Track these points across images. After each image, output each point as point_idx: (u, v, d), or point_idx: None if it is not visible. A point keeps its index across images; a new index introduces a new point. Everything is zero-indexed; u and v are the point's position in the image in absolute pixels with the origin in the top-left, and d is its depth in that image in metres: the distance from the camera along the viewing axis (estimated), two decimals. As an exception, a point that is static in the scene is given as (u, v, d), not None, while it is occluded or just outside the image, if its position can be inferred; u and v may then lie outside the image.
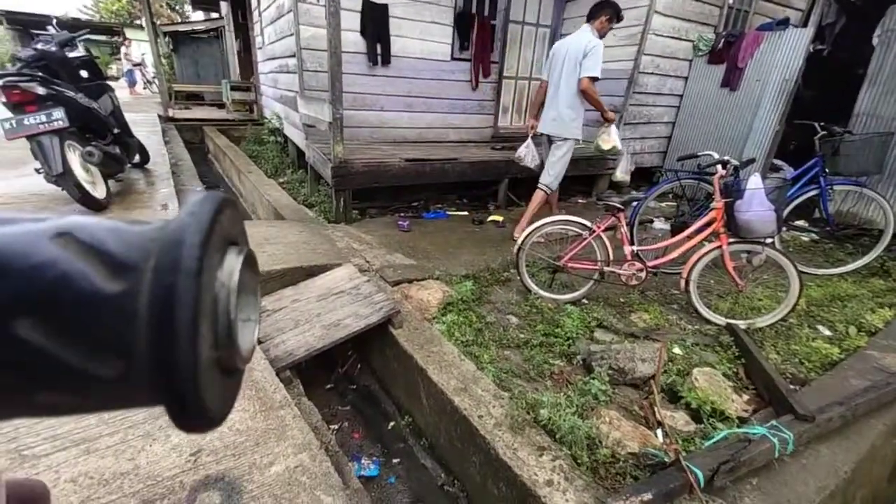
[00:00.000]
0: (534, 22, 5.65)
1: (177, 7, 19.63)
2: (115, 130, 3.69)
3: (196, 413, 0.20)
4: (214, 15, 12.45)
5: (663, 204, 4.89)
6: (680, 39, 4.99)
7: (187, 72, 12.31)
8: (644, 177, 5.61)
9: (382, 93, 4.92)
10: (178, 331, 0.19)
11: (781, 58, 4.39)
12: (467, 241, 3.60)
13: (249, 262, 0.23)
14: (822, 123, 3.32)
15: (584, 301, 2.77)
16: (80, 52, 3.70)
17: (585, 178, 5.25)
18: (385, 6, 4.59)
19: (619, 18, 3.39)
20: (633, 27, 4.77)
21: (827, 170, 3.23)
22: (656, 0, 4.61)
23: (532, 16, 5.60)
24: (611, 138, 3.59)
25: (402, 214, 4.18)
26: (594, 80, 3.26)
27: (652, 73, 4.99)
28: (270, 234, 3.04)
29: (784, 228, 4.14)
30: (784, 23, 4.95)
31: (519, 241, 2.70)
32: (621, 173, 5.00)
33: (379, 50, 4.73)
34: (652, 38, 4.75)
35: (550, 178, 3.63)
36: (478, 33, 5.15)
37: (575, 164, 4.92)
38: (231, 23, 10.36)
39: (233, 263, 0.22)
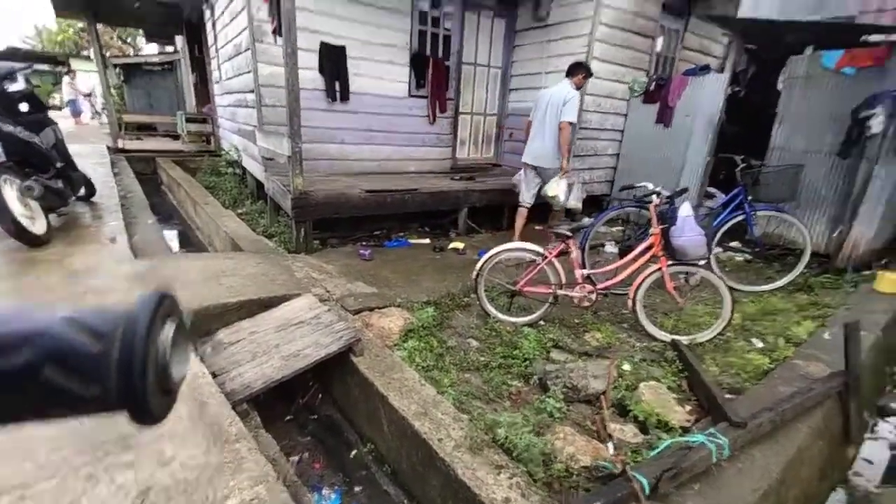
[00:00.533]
0: (485, 63, 6.04)
1: (128, 40, 19.27)
2: (58, 164, 3.55)
3: (146, 415, 0.34)
4: (169, 48, 12.35)
5: (614, 228, 5.20)
6: (617, 82, 5.49)
7: (139, 103, 12.00)
8: (595, 203, 5.98)
9: (342, 127, 5.03)
10: (135, 370, 0.33)
11: (705, 99, 4.92)
12: (429, 269, 3.68)
13: (180, 328, 0.38)
14: (742, 157, 3.72)
15: (541, 323, 2.88)
16: (20, 85, 3.58)
17: (541, 206, 5.51)
18: (342, 48, 4.77)
19: (590, 74, 4.15)
20: (576, 70, 5.20)
21: (750, 197, 3.60)
22: (594, 48, 5.09)
23: (483, 58, 5.99)
24: (557, 188, 4.08)
25: (363, 244, 4.21)
26: (571, 124, 3.89)
27: (595, 111, 5.42)
28: (227, 266, 2.99)
29: (721, 249, 4.51)
30: (706, 69, 5.56)
31: (477, 268, 2.81)
32: (574, 201, 5.32)
33: (337, 87, 4.87)
34: (593, 80, 5.19)
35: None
36: (433, 73, 5.43)
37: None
38: (187, 56, 10.29)
39: (168, 330, 0.36)
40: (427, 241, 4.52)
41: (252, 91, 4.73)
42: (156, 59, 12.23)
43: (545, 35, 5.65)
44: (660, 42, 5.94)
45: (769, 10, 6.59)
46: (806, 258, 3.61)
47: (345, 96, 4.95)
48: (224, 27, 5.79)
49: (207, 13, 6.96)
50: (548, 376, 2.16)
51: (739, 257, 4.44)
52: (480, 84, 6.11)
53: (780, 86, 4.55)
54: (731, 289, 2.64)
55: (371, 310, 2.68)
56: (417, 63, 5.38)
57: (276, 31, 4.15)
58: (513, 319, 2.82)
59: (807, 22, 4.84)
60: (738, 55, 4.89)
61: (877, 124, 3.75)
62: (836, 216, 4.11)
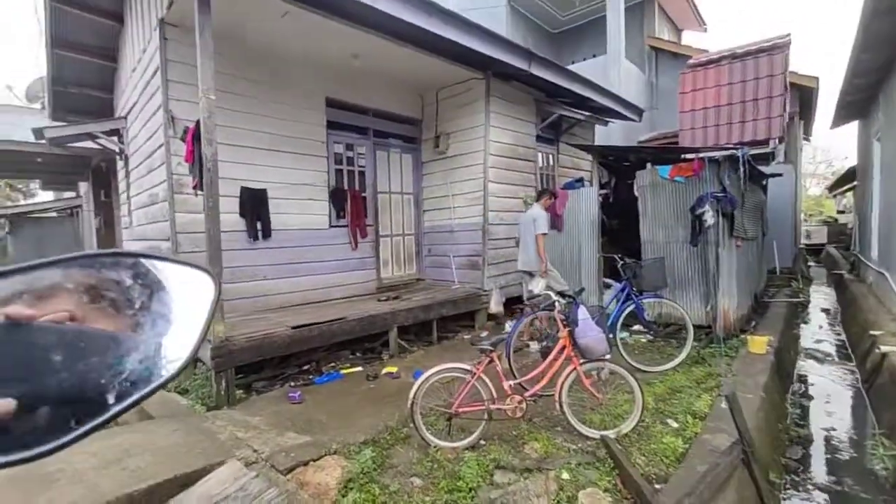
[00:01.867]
0: (399, 191, 6.73)
1: (20, 187, 18.17)
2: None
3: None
4: (69, 194, 11.87)
5: (532, 326, 5.59)
6: (513, 198, 6.41)
7: (27, 255, 10.97)
8: (516, 303, 6.45)
9: (264, 263, 5.11)
10: None
11: (584, 206, 5.90)
12: (364, 402, 3.61)
13: None
14: (619, 255, 4.45)
15: (482, 442, 2.92)
16: None
17: (467, 314, 5.84)
18: (263, 190, 5.09)
19: (554, 196, 5.32)
20: (476, 193, 6.04)
21: (634, 288, 4.23)
22: (489, 172, 6.01)
23: (397, 186, 6.69)
24: (536, 284, 4.95)
25: (292, 385, 4.04)
26: (544, 235, 4.87)
27: (499, 224, 6.18)
28: (133, 441, 2.68)
29: (628, 334, 5.06)
30: (580, 181, 6.76)
31: (411, 396, 2.86)
32: (495, 306, 5.71)
33: (259, 227, 5.06)
34: (492, 199, 6.04)
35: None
36: (351, 203, 5.91)
37: (454, 304, 5.51)
38: (91, 201, 9.98)
39: None
40: (360, 368, 4.47)
41: (168, 239, 4.72)
42: (52, 205, 11.60)
43: (448, 164, 6.55)
44: (540, 162, 7.17)
45: (618, 137, 8.39)
46: (690, 334, 4.20)
47: (266, 234, 5.13)
48: (140, 178, 5.88)
49: (121, 163, 7.04)
50: (493, 504, 2.18)
51: (644, 339, 4.99)
52: (397, 209, 6.71)
53: (636, 191, 5.66)
54: (639, 373, 2.97)
55: (305, 464, 2.55)
56: (336, 196, 5.84)
57: (197, 187, 4.36)
58: (453, 445, 2.84)
59: (640, 147, 6.25)
60: (600, 170, 6.09)
61: (709, 218, 4.77)
62: (706, 293, 4.92)
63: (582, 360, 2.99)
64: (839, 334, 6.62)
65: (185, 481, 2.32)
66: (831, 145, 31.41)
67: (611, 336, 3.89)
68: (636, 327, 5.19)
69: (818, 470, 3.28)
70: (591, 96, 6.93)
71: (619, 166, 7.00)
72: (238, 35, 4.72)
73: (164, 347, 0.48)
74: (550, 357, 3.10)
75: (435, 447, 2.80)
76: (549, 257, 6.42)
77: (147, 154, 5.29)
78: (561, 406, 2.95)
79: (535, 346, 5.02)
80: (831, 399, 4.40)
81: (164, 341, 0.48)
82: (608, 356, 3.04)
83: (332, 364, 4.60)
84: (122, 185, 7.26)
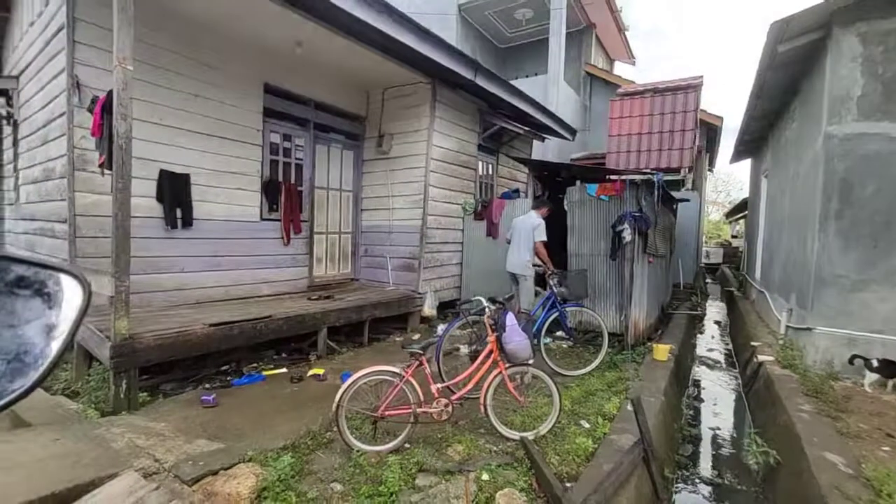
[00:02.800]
0: (338, 188, 6.54)
1: None
2: None
3: None
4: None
5: (465, 331, 5.72)
6: (452, 203, 6.52)
7: None
8: (450, 306, 6.56)
9: (183, 254, 4.70)
10: None
11: (518, 215, 6.16)
12: (286, 406, 3.45)
13: None
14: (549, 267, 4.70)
15: (406, 445, 2.92)
16: None
17: (400, 316, 5.81)
18: (186, 175, 4.69)
19: (552, 208, 5.34)
20: (416, 195, 6.06)
21: (559, 297, 4.50)
22: (430, 177, 6.06)
23: (336, 183, 6.51)
24: (525, 298, 5.05)
25: (207, 387, 3.75)
26: (544, 243, 4.91)
27: (437, 228, 6.25)
28: (2, 453, 2.33)
29: (550, 339, 5.35)
30: (516, 192, 7.06)
31: (336, 399, 2.79)
32: (428, 309, 5.75)
33: (179, 214, 4.65)
34: (432, 203, 6.09)
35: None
36: (286, 197, 5.64)
37: (388, 306, 5.47)
38: (-36, 170, 8.48)
39: None
40: (284, 370, 4.26)
41: (64, 221, 4.16)
42: None
43: (389, 165, 6.49)
44: (480, 171, 7.37)
45: (552, 153, 8.87)
46: (606, 341, 4.55)
47: (187, 223, 4.72)
48: (32, 148, 5.11)
49: (8, 128, 6.08)
50: (413, 508, 2.19)
51: (565, 345, 5.31)
52: (334, 206, 6.52)
53: (565, 206, 6.02)
54: (558, 377, 3.16)
55: (215, 473, 2.37)
56: (270, 188, 5.54)
57: (105, 165, 3.88)
58: (377, 448, 2.81)
59: (572, 165, 6.66)
60: (535, 184, 6.40)
61: (627, 235, 5.20)
62: (621, 303, 5.35)
63: (507, 365, 3.11)
64: (727, 344, 7.55)
65: (68, 497, 2.06)
66: (730, 176, 35.79)
67: (535, 342, 4.10)
68: (559, 333, 5.51)
69: (705, 465, 3.71)
70: (531, 112, 7.27)
71: (552, 181, 7.42)
72: (170, 4, 4.32)
73: (6, 366, 0.42)
74: (478, 361, 3.19)
75: (358, 451, 2.75)
76: (482, 264, 6.67)
77: (43, 122, 4.64)
78: (485, 409, 3.04)
79: (464, 349, 5.14)
80: (718, 402, 5.01)
81: (5, 358, 0.42)
82: (532, 361, 3.20)
83: (254, 365, 4.34)
84: (7, 155, 6.28)
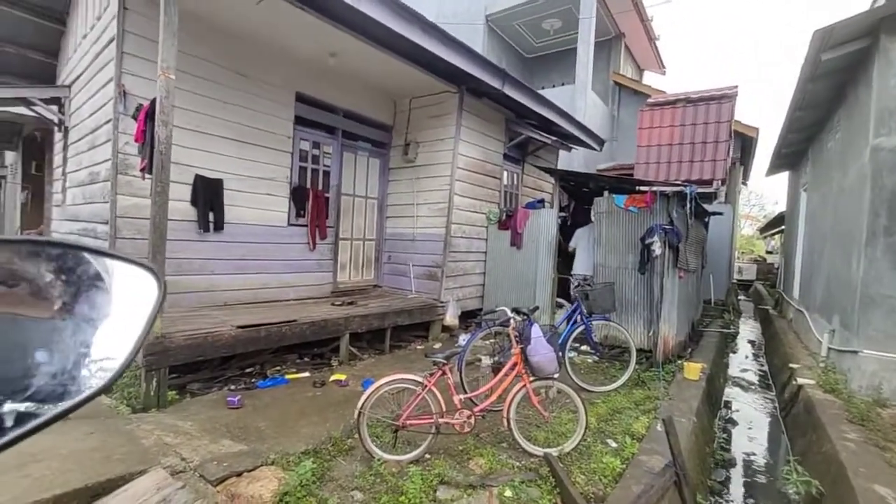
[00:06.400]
0: (363, 194, 6.63)
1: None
2: None
3: None
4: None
5: (488, 342, 5.65)
6: (476, 212, 6.50)
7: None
8: (471, 316, 6.51)
9: (213, 257, 4.84)
10: None
11: (543, 227, 6.09)
12: (308, 410, 3.47)
13: None
14: (582, 276, 4.60)
15: (427, 456, 2.88)
16: None
17: (422, 324, 5.80)
18: (219, 180, 4.84)
19: None
20: (441, 204, 6.07)
21: (585, 310, 4.39)
22: (455, 185, 6.06)
23: (361, 190, 6.59)
24: None
25: (232, 388, 3.82)
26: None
27: (461, 237, 6.23)
28: (40, 445, 2.41)
29: (575, 353, 5.22)
30: (541, 202, 6.98)
31: (359, 406, 2.78)
32: (451, 318, 5.71)
33: (211, 218, 4.79)
34: (456, 211, 6.08)
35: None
36: (313, 203, 5.74)
37: (410, 313, 5.47)
38: (19, 173, 9.06)
39: None
40: (307, 374, 4.30)
41: (105, 222, 4.35)
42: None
43: (415, 173, 6.54)
44: (505, 180, 7.34)
45: (578, 163, 8.75)
46: (633, 357, 4.40)
47: (219, 226, 4.86)
48: (80, 153, 5.40)
49: (59, 134, 6.45)
50: (434, 521, 2.14)
51: (590, 359, 5.17)
52: (359, 212, 6.60)
53: (592, 217, 5.91)
54: (583, 393, 3.06)
55: (238, 475, 2.40)
56: (298, 194, 5.66)
57: (146, 170, 4.06)
58: (397, 458, 2.78)
59: (600, 175, 6.55)
60: (560, 194, 6.32)
61: (657, 248, 5.06)
62: (649, 318, 5.19)
63: (532, 378, 3.04)
64: (762, 365, 7.19)
65: (99, 491, 2.12)
66: (764, 190, 34.55)
67: (560, 355, 3.99)
68: (584, 347, 5.38)
69: (738, 493, 3.51)
70: (558, 122, 7.21)
71: (578, 191, 7.30)
72: (209, 16, 4.51)
73: (87, 359, 0.41)
74: (502, 373, 3.14)
75: (379, 460, 2.73)
76: (505, 274, 6.59)
77: (91, 129, 4.89)
78: (508, 422, 2.98)
79: (486, 360, 5.07)
80: (753, 425, 4.76)
81: (87, 351, 0.41)
82: (557, 375, 3.12)
83: (278, 368, 4.40)
84: (57, 160, 6.65)
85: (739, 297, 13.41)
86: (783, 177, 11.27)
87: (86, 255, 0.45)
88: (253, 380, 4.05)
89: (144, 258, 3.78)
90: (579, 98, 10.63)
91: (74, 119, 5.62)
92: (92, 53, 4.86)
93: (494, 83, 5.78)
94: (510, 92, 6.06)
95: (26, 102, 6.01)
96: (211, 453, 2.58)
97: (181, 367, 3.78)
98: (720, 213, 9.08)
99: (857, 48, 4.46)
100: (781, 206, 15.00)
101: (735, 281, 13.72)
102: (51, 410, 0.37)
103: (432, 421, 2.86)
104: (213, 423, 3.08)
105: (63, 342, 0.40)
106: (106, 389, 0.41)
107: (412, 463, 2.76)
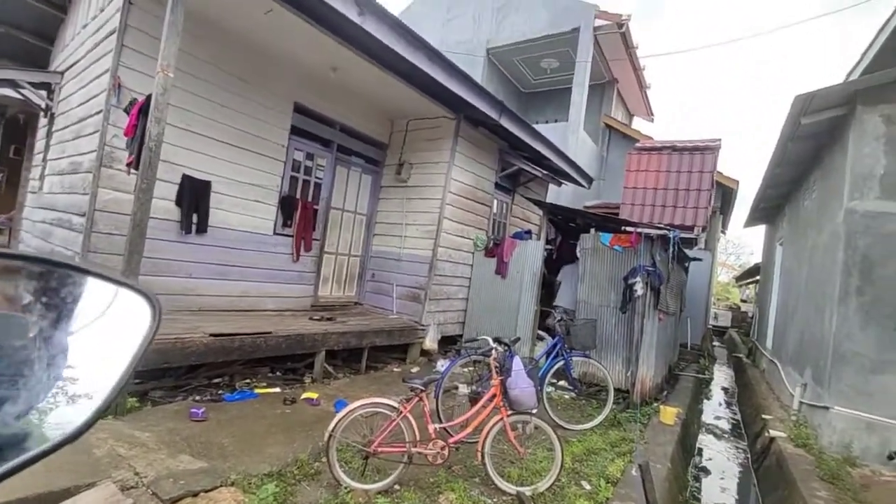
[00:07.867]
0: (352, 210, 6.59)
1: None
2: None
3: None
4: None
5: (466, 369, 5.56)
6: (464, 238, 6.51)
7: None
8: (451, 341, 6.42)
9: (193, 260, 4.69)
10: None
11: (529, 258, 6.13)
12: (275, 428, 3.31)
13: None
14: (562, 309, 4.60)
15: (397, 487, 2.76)
16: None
17: (400, 346, 5.68)
18: (208, 182, 4.75)
19: None
20: (430, 226, 6.07)
21: (566, 345, 4.37)
22: (445, 209, 6.08)
23: (351, 205, 6.56)
24: None
25: (197, 399, 3.63)
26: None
27: (447, 261, 6.21)
28: (-18, 448, 2.22)
29: (553, 388, 5.17)
30: (528, 233, 7.05)
31: (330, 429, 2.66)
32: (430, 342, 5.61)
33: (195, 219, 4.67)
34: (444, 235, 6.09)
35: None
36: (301, 214, 5.67)
37: (389, 334, 5.36)
38: (-6, 155, 8.73)
39: None
40: (277, 389, 4.13)
41: (83, 215, 4.18)
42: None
43: (406, 193, 6.55)
44: (495, 209, 7.41)
45: (567, 198, 8.94)
46: (611, 397, 4.38)
47: (202, 229, 4.73)
48: (64, 141, 5.23)
49: (44, 120, 6.26)
50: (399, 560, 2.03)
51: (567, 395, 5.12)
52: (347, 227, 6.54)
53: (577, 253, 5.98)
54: (560, 430, 3.00)
55: (195, 495, 2.24)
56: (286, 204, 5.58)
57: (132, 165, 3.94)
58: (366, 487, 2.65)
59: (587, 212, 6.68)
60: (548, 227, 6.41)
61: (639, 288, 5.12)
62: (628, 358, 5.20)
63: (510, 412, 2.98)
64: (735, 413, 7.24)
65: (39, 504, 1.94)
66: (741, 239, 35.81)
67: (539, 390, 3.94)
68: (561, 382, 5.33)
69: (708, 544, 3.45)
70: (550, 156, 7.37)
71: (565, 226, 7.42)
72: (214, 19, 4.52)
73: (59, 398, 0.35)
74: (479, 404, 3.06)
75: (346, 488, 2.60)
76: (488, 302, 6.57)
77: (79, 118, 4.77)
78: (483, 456, 2.89)
79: (463, 388, 4.97)
80: (725, 475, 4.73)
81: (61, 388, 0.35)
82: (535, 410, 3.06)
83: (248, 381, 4.21)
84: (39, 145, 6.45)
85: (714, 343, 13.64)
86: (759, 229, 11.71)
87: (73, 273, 0.39)
88: (220, 391, 3.86)
89: (119, 254, 3.63)
90: (571, 136, 10.95)
91: (63, 106, 5.49)
92: (90, 43, 4.79)
93: (492, 114, 5.91)
94: (506, 123, 6.20)
95: (13, 84, 5.85)
96: (167, 469, 2.41)
97: (144, 373, 3.58)
98: (699, 259, 9.31)
99: (834, 115, 4.73)
100: (757, 257, 15.54)
101: (710, 326, 13.97)
102: (2, 465, 0.31)
103: (405, 450, 2.75)
104: (174, 435, 2.89)
105: (34, 377, 0.34)
106: (74, 438, 0.35)
107: (380, 493, 2.63)
